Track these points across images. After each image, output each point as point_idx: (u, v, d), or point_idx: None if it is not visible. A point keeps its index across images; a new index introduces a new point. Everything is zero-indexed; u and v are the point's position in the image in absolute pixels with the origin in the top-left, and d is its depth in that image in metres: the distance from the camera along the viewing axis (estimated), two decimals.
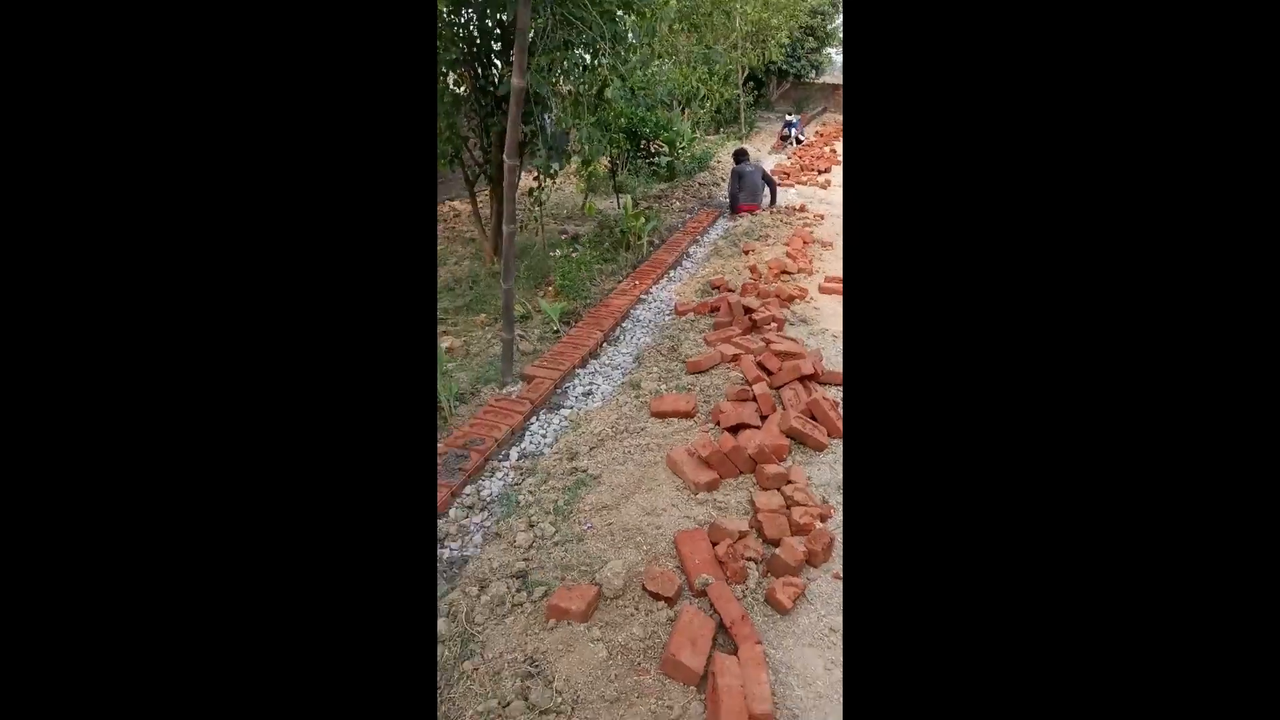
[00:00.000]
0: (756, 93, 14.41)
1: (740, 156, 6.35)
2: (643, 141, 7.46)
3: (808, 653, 1.59)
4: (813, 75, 21.95)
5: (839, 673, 1.53)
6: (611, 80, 4.58)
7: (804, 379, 2.70)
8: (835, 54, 24.28)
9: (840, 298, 4.01)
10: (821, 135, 13.39)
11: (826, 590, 1.77)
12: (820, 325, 3.58)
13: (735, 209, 6.10)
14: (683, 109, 8.25)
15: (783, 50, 11.74)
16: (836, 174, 8.75)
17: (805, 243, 5.01)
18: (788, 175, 7.94)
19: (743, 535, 1.87)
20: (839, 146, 11.83)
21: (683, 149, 7.56)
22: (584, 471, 2.27)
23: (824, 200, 6.95)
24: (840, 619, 1.68)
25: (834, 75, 26.87)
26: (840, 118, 20.15)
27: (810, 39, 16.70)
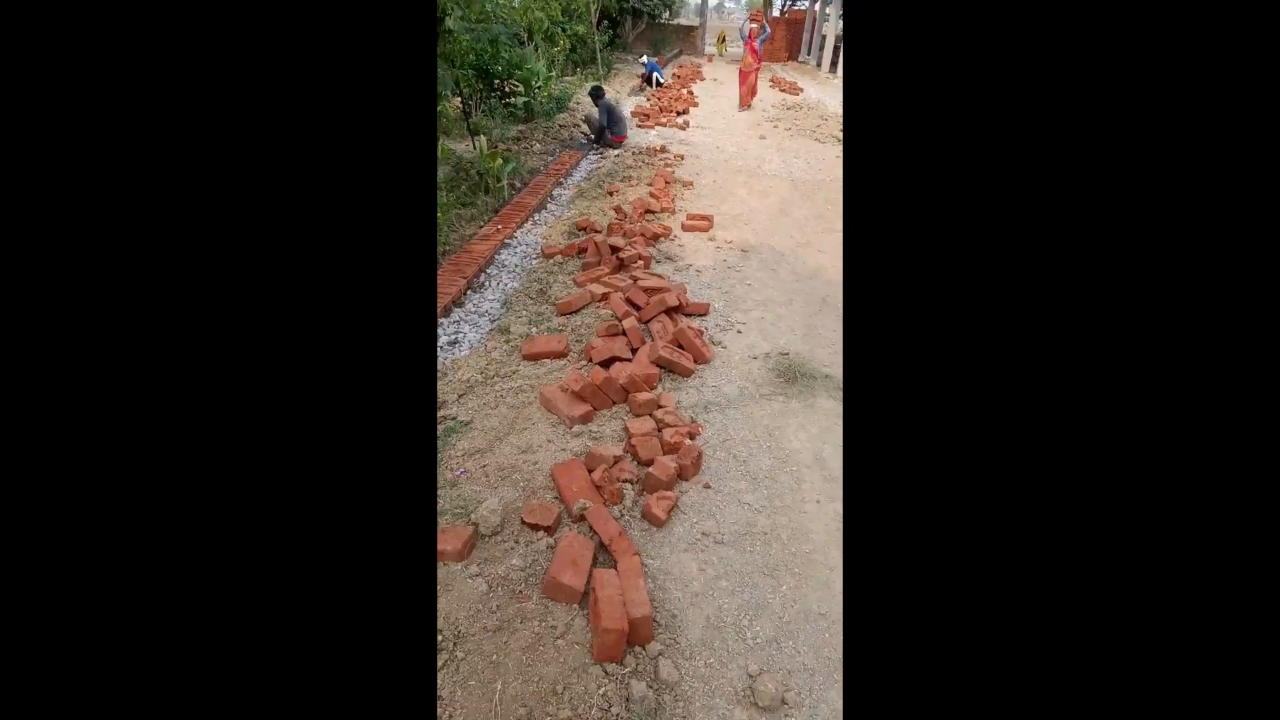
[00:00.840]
0: (612, 32, 14.02)
1: (599, 93, 6.51)
2: (496, 80, 7.05)
3: (684, 558, 1.69)
4: (666, 16, 21.77)
5: (712, 572, 1.66)
6: (450, 8, 4.23)
7: (670, 311, 2.78)
8: None
9: (702, 234, 4.13)
10: (678, 78, 13.44)
11: (698, 500, 1.88)
12: (685, 261, 3.68)
13: (610, 141, 6.26)
14: (535, 46, 7.85)
15: None
16: (695, 115, 8.86)
17: (667, 182, 5.07)
18: (648, 117, 7.92)
19: (618, 460, 1.92)
20: (697, 88, 11.95)
21: (539, 88, 7.25)
22: (453, 419, 2.19)
23: (683, 141, 7.04)
24: (712, 523, 1.80)
25: (689, 18, 26.80)
26: (696, 60, 20.29)
27: None
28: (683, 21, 25.63)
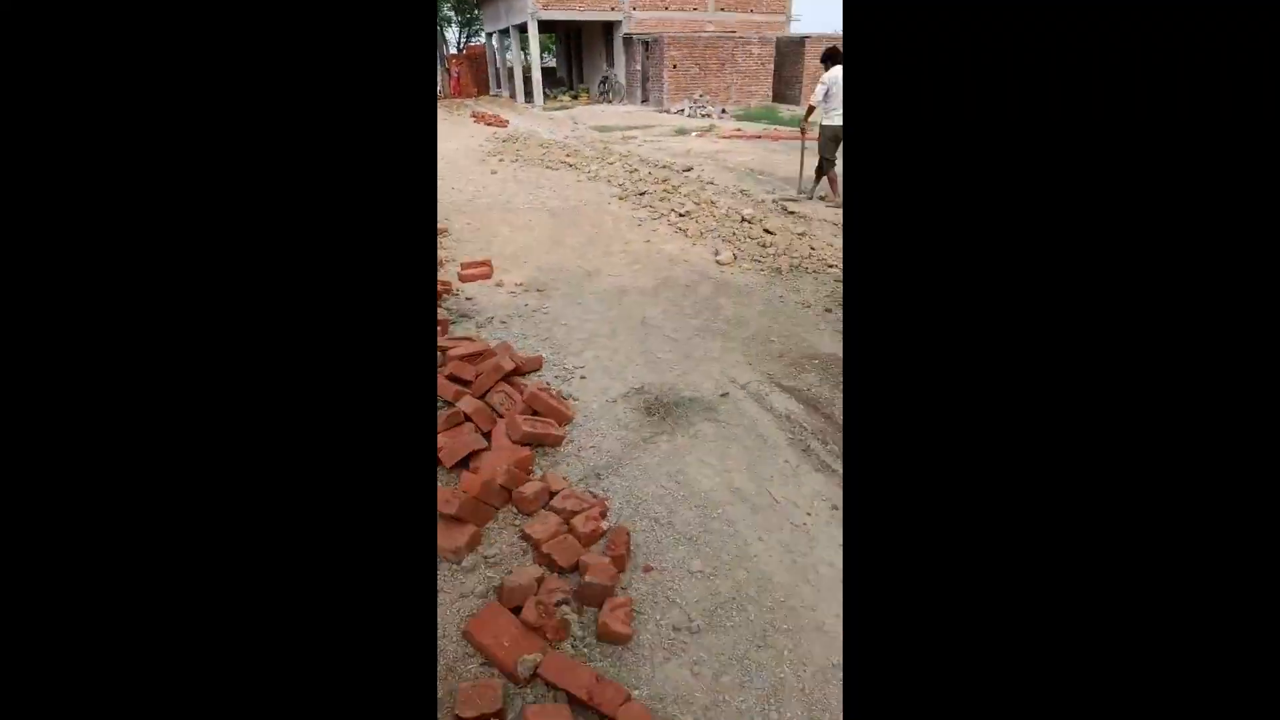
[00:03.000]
0: None
1: None
2: None
3: (670, 670, 1.40)
4: None
5: (708, 672, 1.39)
6: None
7: (508, 377, 2.40)
8: None
9: (486, 281, 3.76)
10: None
11: (647, 590, 1.60)
12: (483, 314, 3.28)
13: None
14: None
15: None
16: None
17: None
18: None
19: (541, 580, 1.53)
20: None
21: None
22: None
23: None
24: (677, 612, 1.53)
25: None
26: None
27: None
28: None
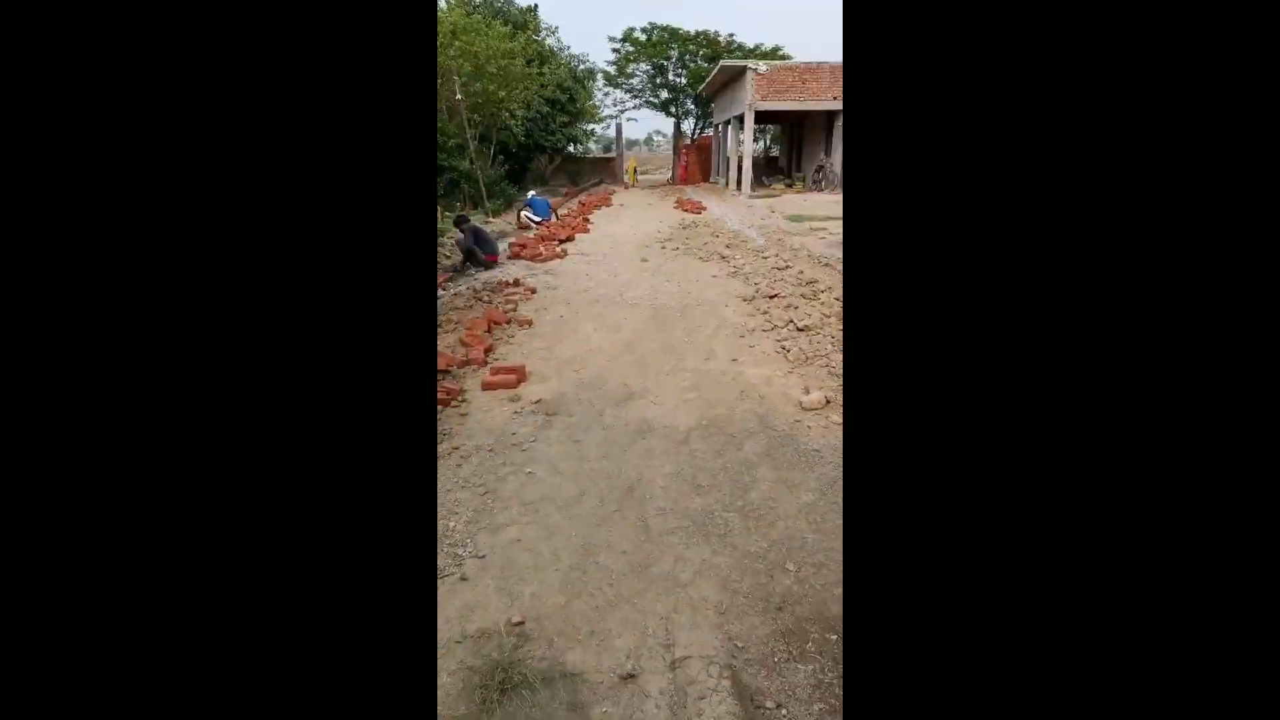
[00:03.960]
0: (507, 167, 13.95)
1: (462, 220, 6.67)
2: None
3: None
4: (581, 150, 22.70)
5: None
6: None
7: None
8: (599, 128, 25.72)
9: (507, 391, 3.16)
10: (585, 205, 13.36)
11: None
12: (455, 440, 2.65)
13: (483, 260, 6.31)
14: None
15: (521, 125, 11.48)
16: (582, 241, 8.35)
17: (491, 325, 4.18)
18: (524, 247, 7.28)
19: None
20: (599, 214, 11.74)
21: None
22: None
23: (549, 271, 6.34)
24: None
25: (602, 149, 28.35)
26: (614, 186, 20.87)
27: (562, 114, 16.79)
28: (600, 154, 26.94)
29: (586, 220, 10.19)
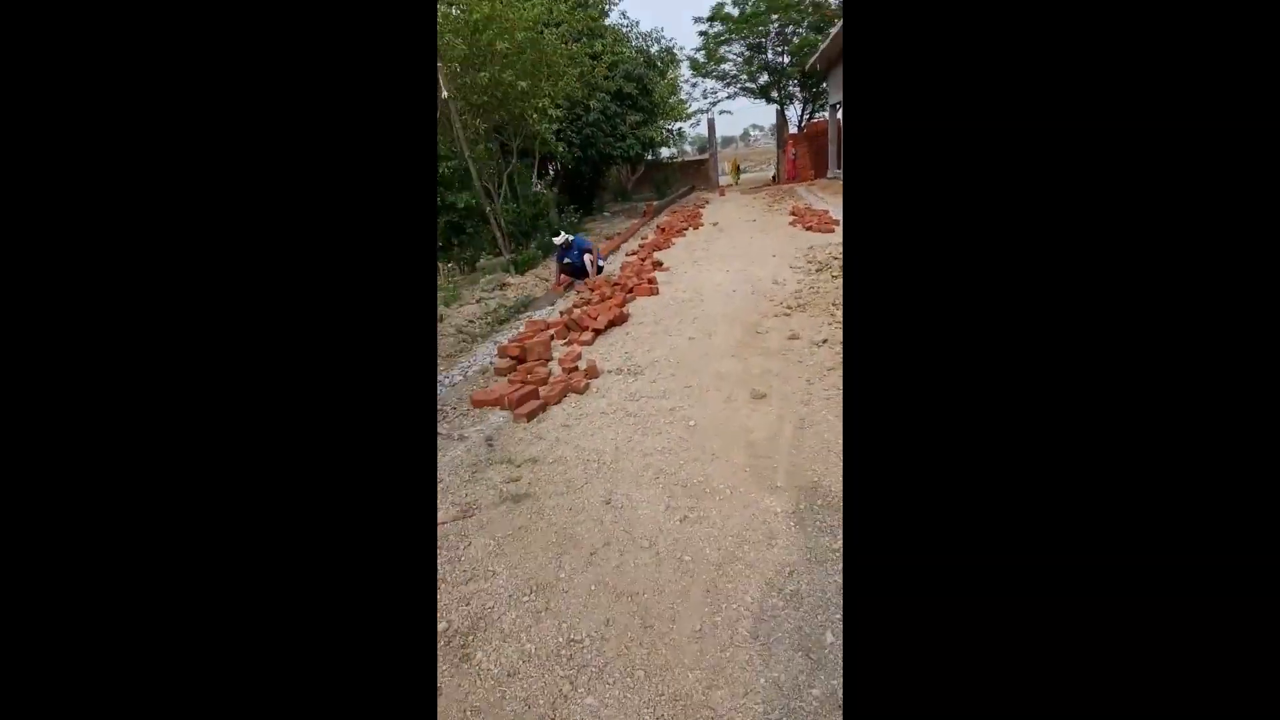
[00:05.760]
0: (558, 184, 10.65)
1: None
2: None
3: None
4: (665, 154, 19.23)
5: None
6: None
7: None
8: (685, 126, 21.91)
9: None
10: (663, 230, 9.83)
11: None
12: None
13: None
14: None
15: (551, 125, 8.18)
16: (640, 315, 4.88)
17: None
18: (498, 396, 3.90)
19: None
20: (673, 250, 8.17)
21: None
22: None
23: (533, 459, 2.87)
24: None
25: (691, 150, 24.59)
26: (706, 194, 17.19)
27: (632, 111, 13.11)
28: (689, 155, 23.32)
29: (654, 267, 6.65)
